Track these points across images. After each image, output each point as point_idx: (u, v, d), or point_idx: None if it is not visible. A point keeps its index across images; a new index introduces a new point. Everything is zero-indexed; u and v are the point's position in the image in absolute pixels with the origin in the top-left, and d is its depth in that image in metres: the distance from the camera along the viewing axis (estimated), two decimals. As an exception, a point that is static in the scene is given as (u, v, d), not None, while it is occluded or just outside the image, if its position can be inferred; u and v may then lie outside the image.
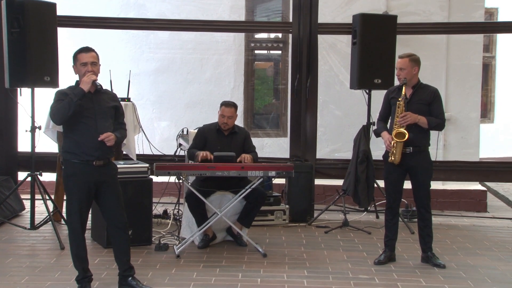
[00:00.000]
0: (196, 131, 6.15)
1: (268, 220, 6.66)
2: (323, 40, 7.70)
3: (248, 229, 5.90)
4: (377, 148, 6.60)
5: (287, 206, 6.81)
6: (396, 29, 6.84)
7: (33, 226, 6.08)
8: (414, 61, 5.13)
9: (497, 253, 5.74)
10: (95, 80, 4.31)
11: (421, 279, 4.89)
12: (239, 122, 7.12)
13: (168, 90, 8.37)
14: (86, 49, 4.38)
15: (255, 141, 6.15)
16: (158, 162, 5.57)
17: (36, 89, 6.06)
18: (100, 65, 4.44)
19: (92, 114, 4.33)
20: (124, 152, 6.77)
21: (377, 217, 7.03)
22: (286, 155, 7.42)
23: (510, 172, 7.59)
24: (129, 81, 6.84)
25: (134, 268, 4.56)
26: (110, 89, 5.91)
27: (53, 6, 6.19)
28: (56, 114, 4.27)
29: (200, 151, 5.73)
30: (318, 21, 7.15)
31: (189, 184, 5.58)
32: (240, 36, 8.34)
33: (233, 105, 5.89)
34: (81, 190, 4.32)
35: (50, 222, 5.99)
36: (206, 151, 5.65)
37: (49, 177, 6.83)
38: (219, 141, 5.86)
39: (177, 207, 6.49)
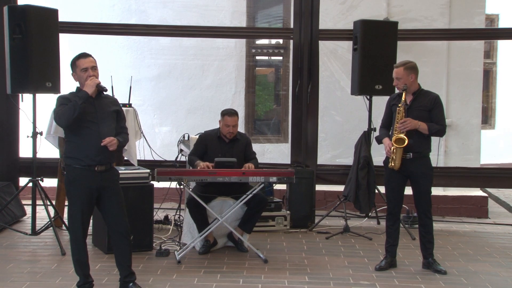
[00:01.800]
0: (197, 137, 6.15)
1: (269, 226, 6.65)
2: (324, 46, 7.71)
3: (249, 235, 5.90)
4: (378, 154, 6.59)
5: (288, 212, 6.81)
6: (397, 35, 6.86)
7: (34, 232, 6.09)
8: (409, 68, 5.09)
9: (498, 259, 5.73)
10: (99, 83, 4.34)
11: (422, 285, 4.89)
12: (240, 128, 7.13)
13: (169, 96, 8.38)
14: (84, 55, 4.41)
15: (256, 146, 6.17)
16: (159, 168, 5.56)
17: (38, 95, 6.08)
18: (97, 70, 4.45)
19: (94, 118, 4.35)
20: (125, 158, 6.78)
21: (378, 223, 7.02)
22: (287, 161, 7.42)
23: (511, 178, 7.59)
24: (130, 87, 6.84)
25: (135, 273, 4.56)
26: (111, 95, 5.92)
27: (55, 12, 6.22)
28: (62, 116, 4.28)
29: (199, 159, 5.74)
30: (319, 27, 7.16)
31: (190, 190, 5.59)
32: (241, 42, 8.36)
33: (235, 113, 5.89)
34: (83, 195, 4.33)
35: (51, 228, 6.00)
36: (207, 162, 5.64)
37: (50, 182, 6.83)
38: (220, 149, 5.86)
39: (178, 213, 6.49)
